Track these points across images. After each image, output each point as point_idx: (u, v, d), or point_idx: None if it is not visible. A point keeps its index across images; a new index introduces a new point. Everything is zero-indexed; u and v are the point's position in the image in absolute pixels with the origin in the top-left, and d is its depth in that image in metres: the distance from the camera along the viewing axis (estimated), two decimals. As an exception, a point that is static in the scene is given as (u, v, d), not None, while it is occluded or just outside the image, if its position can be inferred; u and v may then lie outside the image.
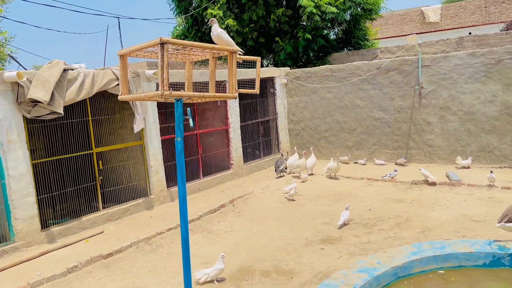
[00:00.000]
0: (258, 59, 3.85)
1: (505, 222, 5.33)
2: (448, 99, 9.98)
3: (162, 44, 2.93)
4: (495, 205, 7.14)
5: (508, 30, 11.79)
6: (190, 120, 3.40)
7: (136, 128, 8.07)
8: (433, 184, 8.61)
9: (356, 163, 11.27)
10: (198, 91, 4.11)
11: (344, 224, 6.85)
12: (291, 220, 7.38)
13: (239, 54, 3.64)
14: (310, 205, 8.13)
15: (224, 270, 5.28)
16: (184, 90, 3.64)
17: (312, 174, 10.45)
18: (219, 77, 8.33)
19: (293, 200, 8.53)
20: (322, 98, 11.90)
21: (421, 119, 10.40)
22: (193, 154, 9.75)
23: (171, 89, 3.05)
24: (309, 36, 12.96)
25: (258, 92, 3.87)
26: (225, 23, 13.33)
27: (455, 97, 9.87)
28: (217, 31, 3.55)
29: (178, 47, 3.25)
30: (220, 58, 4.38)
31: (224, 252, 6.17)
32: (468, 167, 9.56)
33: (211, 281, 5.23)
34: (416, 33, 20.11)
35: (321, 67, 11.96)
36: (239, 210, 8.24)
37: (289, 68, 12.95)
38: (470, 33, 18.57)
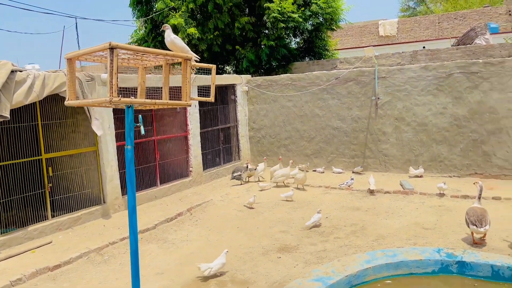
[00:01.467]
0: (213, 66, 3.80)
1: (471, 224, 5.81)
2: (402, 110, 10.34)
3: (112, 49, 2.82)
4: (444, 213, 7.42)
5: (458, 45, 12.41)
6: (142, 128, 3.29)
7: (98, 131, 7.75)
8: (372, 192, 8.91)
9: (314, 171, 11.41)
10: (156, 98, 3.99)
11: (314, 226, 7.10)
12: (249, 228, 7.33)
13: (195, 61, 3.57)
14: (269, 213, 8.12)
15: (225, 264, 5.54)
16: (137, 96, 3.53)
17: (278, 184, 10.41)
18: (178, 83, 8.19)
19: (252, 208, 8.49)
20: (282, 106, 12.00)
21: (377, 129, 10.70)
22: (150, 160, 9.51)
23: (120, 95, 2.93)
24: (272, 43, 13.07)
25: (213, 100, 3.81)
26: (187, 31, 13.18)
27: (409, 108, 10.24)
28: (170, 37, 3.47)
29: (129, 53, 3.14)
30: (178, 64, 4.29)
31: (180, 262, 6.04)
32: (420, 176, 9.91)
33: (215, 275, 5.47)
34: (374, 45, 20.82)
35: (282, 75, 12.08)
36: (197, 218, 8.11)
37: (250, 75, 12.98)
38: (424, 47, 19.41)
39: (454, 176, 9.75)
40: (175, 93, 3.80)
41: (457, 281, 5.09)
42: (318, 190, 9.66)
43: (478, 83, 9.40)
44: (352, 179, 9.58)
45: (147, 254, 6.43)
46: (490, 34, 13.32)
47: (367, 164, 10.94)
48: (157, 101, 3.16)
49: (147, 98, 3.41)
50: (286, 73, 13.04)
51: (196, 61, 3.55)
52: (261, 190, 9.83)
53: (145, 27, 14.89)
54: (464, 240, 6.08)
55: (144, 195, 9.11)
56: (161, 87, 3.41)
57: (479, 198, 6.13)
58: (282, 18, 12.64)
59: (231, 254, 6.06)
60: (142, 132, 3.33)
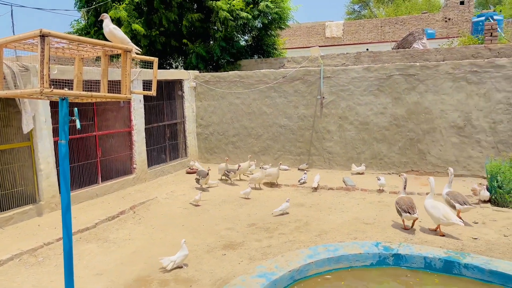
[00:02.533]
0: (155, 60, 3.69)
1: (403, 212, 6.38)
2: (346, 109, 10.69)
3: (43, 36, 2.64)
4: (383, 208, 7.77)
5: (398, 48, 13.03)
6: (78, 122, 3.11)
7: (25, 128, 7.29)
8: (315, 189, 9.21)
9: (261, 168, 11.47)
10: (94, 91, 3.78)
11: (282, 214, 7.58)
12: (195, 226, 7.24)
13: (136, 53, 3.44)
14: (215, 211, 8.07)
15: (187, 255, 5.61)
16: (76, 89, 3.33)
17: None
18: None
19: (198, 205, 8.40)
20: (230, 103, 11.97)
21: (322, 127, 10.98)
22: (91, 157, 9.10)
23: (53, 86, 2.75)
24: (224, 43, 13.00)
25: (154, 94, 3.70)
26: (131, 26, 12.75)
27: (352, 107, 10.61)
28: (109, 27, 3.31)
29: (64, 41, 2.96)
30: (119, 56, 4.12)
31: (121, 262, 5.83)
32: (362, 173, 10.31)
33: (178, 267, 5.53)
34: (320, 46, 21.34)
35: (230, 72, 12.04)
36: (140, 217, 7.87)
37: (198, 71, 12.81)
38: (367, 49, 20.23)
39: (392, 173, 10.24)
40: (119, 87, 3.64)
41: (392, 272, 5.35)
42: (264, 186, 9.74)
43: (415, 85, 9.93)
44: (306, 173, 9.85)
45: (86, 254, 6.14)
46: (427, 39, 14.12)
47: (312, 161, 11.21)
48: (94, 93, 3.00)
49: (85, 91, 3.24)
50: (235, 70, 13.02)
51: (137, 54, 3.42)
52: (208, 187, 9.75)
53: (88, 19, 14.22)
54: (401, 233, 6.40)
55: (84, 193, 8.70)
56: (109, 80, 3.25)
57: (404, 188, 6.82)
58: (231, 17, 12.58)
59: (174, 252, 5.94)
60: (78, 126, 3.16)
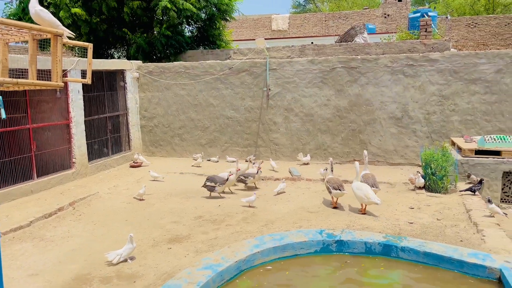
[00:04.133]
0: (90, 45, 3.48)
1: (333, 189, 7.04)
2: (291, 101, 10.84)
3: (-42, 15, 2.39)
4: (327, 196, 7.99)
5: (341, 42, 13.40)
6: (2, 112, 2.87)
7: None
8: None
9: (209, 160, 11.40)
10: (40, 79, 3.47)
11: (279, 193, 8.22)
12: (139, 220, 7.03)
13: (69, 38, 3.22)
14: (160, 204, 7.88)
15: (135, 248, 5.52)
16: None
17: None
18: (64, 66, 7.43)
19: (143, 200, 8.16)
20: (176, 94, 11.72)
21: (268, 119, 11.07)
22: (24, 151, 8.51)
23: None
24: (168, 32, 12.60)
25: (89, 82, 3.50)
26: (71, 10, 12.06)
27: (297, 99, 10.78)
28: (35, 8, 3.04)
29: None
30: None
31: (59, 260, 5.53)
32: (307, 163, 10.55)
33: (125, 261, 5.41)
34: (267, 39, 21.45)
35: (175, 63, 11.76)
36: (80, 213, 7.51)
37: (141, 62, 12.39)
38: (312, 42, 20.63)
39: (336, 163, 10.55)
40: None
41: (335, 258, 5.52)
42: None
43: (357, 77, 10.27)
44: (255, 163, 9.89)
45: (20, 254, 5.76)
46: (368, 33, 14.67)
47: (259, 152, 11.28)
48: (20, 80, 2.77)
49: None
50: (180, 61, 12.74)
51: (70, 38, 3.20)
52: (153, 180, 9.50)
53: (20, 2, 13.24)
54: (344, 220, 6.62)
55: (18, 189, 8.15)
56: (44, 69, 3.01)
57: (332, 170, 7.68)
58: (174, 8, 12.24)
59: (117, 248, 5.73)
60: (3, 116, 2.91)
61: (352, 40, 13.05)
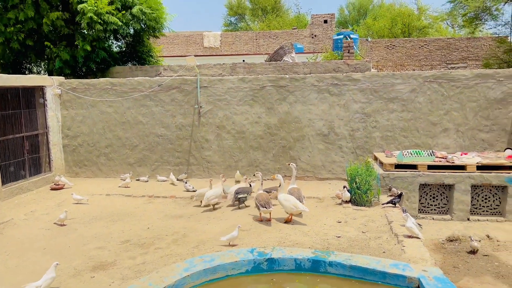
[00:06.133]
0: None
1: (261, 206, 7.22)
2: (223, 119, 10.85)
3: None
4: (256, 213, 8.03)
5: (270, 60, 13.76)
6: None
7: None
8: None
9: (138, 180, 10.99)
10: None
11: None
12: (59, 248, 6.52)
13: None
14: (84, 229, 7.40)
15: (55, 278, 5.16)
16: None
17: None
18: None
19: (64, 225, 7.61)
20: (102, 112, 11.20)
21: (200, 136, 10.97)
22: None
23: None
24: (88, 47, 12.01)
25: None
26: None
27: (229, 117, 10.82)
28: None
29: None
30: None
31: (-38, 300, 4.94)
32: (239, 182, 10.54)
33: None
34: (199, 56, 21.47)
35: (101, 79, 11.28)
36: (-9, 243, 6.81)
37: (64, 77, 11.72)
38: (244, 60, 20.96)
39: (267, 179, 10.70)
40: None
41: (265, 277, 5.52)
42: (141, 200, 9.30)
43: (285, 95, 10.57)
44: (186, 182, 9.64)
45: None
46: (296, 53, 15.24)
47: (191, 171, 11.10)
48: None
49: None
50: (107, 77, 12.24)
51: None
52: (76, 203, 8.93)
53: None
54: (275, 237, 6.68)
55: None
56: None
57: (261, 184, 8.01)
58: (99, 20, 11.78)
59: (33, 280, 5.25)
60: None
61: (281, 59, 13.46)
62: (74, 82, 11.30)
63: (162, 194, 9.60)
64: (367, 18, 39.85)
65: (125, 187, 10.21)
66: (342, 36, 15.45)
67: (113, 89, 11.12)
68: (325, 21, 27.10)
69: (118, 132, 11.22)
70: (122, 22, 12.34)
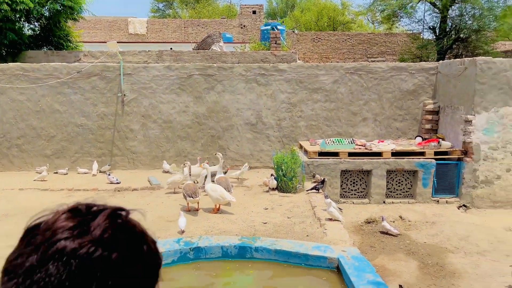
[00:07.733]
0: None
1: (188, 196, 7.15)
2: (149, 108, 10.51)
3: None
4: (185, 203, 7.94)
5: (198, 49, 13.57)
6: None
7: None
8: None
9: (56, 173, 10.29)
10: None
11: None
12: (-38, 249, 5.90)
13: None
14: (-8, 228, 6.77)
15: None
16: None
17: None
18: None
19: (-32, 223, 6.90)
20: (12, 100, 10.28)
21: (124, 126, 10.53)
22: None
23: None
24: None
25: None
26: None
27: (155, 106, 10.51)
28: None
29: None
30: None
31: None
32: (167, 172, 10.33)
33: None
34: (124, 42, 20.52)
35: (11, 64, 10.33)
36: None
37: (-33, 61, 10.56)
38: (171, 48, 20.42)
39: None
40: None
41: (192, 266, 5.49)
42: (59, 194, 8.72)
43: (214, 84, 10.50)
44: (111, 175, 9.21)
45: None
46: (225, 42, 15.18)
47: (115, 162, 10.64)
48: None
49: None
50: (17, 63, 11.24)
51: None
52: (-17, 201, 8.14)
53: None
54: (203, 227, 6.64)
55: None
56: None
57: (190, 175, 7.95)
58: (8, 0, 10.74)
59: None
60: None
61: (209, 48, 13.33)
62: (-21, 66, 10.24)
63: (83, 187, 9.09)
64: (295, 10, 40.83)
65: (42, 180, 9.51)
66: (269, 27, 15.67)
67: (25, 75, 10.24)
68: (254, 12, 27.28)
69: (32, 122, 10.39)
70: (34, 2, 11.36)
